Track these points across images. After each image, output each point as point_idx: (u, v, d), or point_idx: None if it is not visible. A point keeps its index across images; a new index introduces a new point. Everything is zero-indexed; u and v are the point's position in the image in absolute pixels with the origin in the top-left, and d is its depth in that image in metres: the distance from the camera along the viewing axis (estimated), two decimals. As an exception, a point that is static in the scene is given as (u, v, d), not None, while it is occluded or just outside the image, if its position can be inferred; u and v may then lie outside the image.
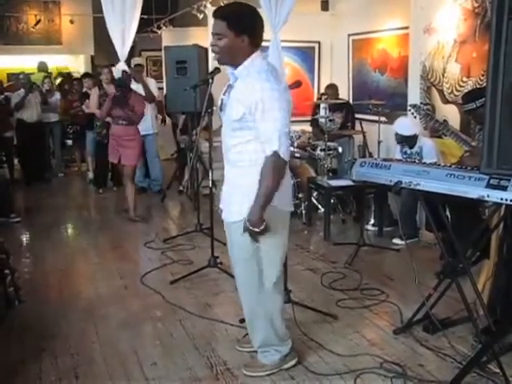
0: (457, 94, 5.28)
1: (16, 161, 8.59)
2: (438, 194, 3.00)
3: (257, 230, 2.55)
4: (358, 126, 6.43)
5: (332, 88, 6.74)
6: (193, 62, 6.28)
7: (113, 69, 7.09)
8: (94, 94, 7.18)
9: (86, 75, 8.82)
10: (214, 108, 6.74)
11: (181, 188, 7.40)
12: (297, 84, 4.00)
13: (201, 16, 8.09)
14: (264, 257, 2.71)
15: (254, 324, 2.89)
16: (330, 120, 6.25)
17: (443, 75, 5.44)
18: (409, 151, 5.13)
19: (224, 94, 2.72)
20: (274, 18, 5.81)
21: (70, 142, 9.31)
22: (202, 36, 7.73)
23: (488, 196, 2.73)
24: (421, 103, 5.34)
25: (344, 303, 3.82)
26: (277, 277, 2.78)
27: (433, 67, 5.56)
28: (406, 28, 6.07)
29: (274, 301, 2.82)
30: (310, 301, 3.80)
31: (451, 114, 5.31)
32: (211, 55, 6.71)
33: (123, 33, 6.81)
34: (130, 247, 5.26)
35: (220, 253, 4.44)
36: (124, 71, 6.67)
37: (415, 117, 4.93)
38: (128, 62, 7.19)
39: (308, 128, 6.90)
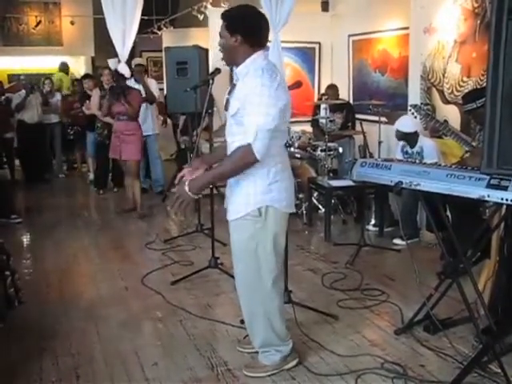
0: (457, 94, 5.28)
1: (17, 162, 8.60)
2: (439, 194, 3.00)
3: (190, 194, 2.57)
4: (358, 127, 6.44)
5: (332, 88, 6.74)
6: (193, 62, 6.28)
7: (108, 61, 7.10)
8: (95, 95, 7.19)
9: (86, 76, 8.82)
10: (215, 109, 6.80)
11: (181, 189, 7.39)
12: (297, 84, 4.00)
13: (201, 17, 8.09)
14: (262, 256, 2.72)
15: (254, 324, 2.90)
16: (331, 120, 6.26)
17: (443, 75, 5.45)
18: (409, 151, 5.13)
19: (228, 94, 2.75)
20: (275, 18, 5.81)
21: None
22: (203, 37, 7.74)
23: (488, 196, 2.73)
24: (421, 103, 5.33)
25: (345, 303, 3.82)
26: (274, 276, 2.78)
27: (433, 67, 5.56)
28: (406, 28, 6.08)
29: (272, 300, 2.82)
30: (311, 301, 3.79)
31: (451, 114, 5.31)
32: (212, 56, 6.73)
33: (124, 34, 6.80)
34: (131, 248, 5.26)
35: (221, 253, 4.44)
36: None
37: (415, 117, 4.94)
38: (129, 62, 7.19)
39: (308, 128, 6.90)
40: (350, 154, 6.48)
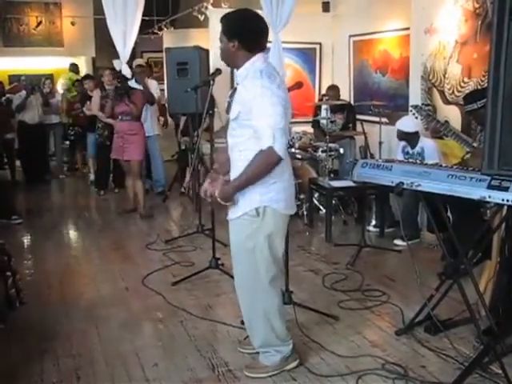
0: (458, 94, 5.28)
1: (17, 162, 8.60)
2: (440, 194, 2.99)
3: (223, 203, 2.69)
4: (359, 127, 6.42)
5: (333, 89, 6.73)
6: (194, 63, 6.28)
7: (114, 61, 7.11)
8: (96, 95, 7.19)
9: (86, 77, 8.83)
10: (216, 109, 6.81)
11: (182, 189, 7.40)
12: (298, 85, 4.00)
13: (202, 17, 8.10)
14: (259, 256, 2.72)
15: (253, 324, 2.90)
16: (332, 121, 6.26)
17: (444, 76, 5.45)
18: (410, 151, 5.13)
19: (230, 97, 2.76)
20: (275, 19, 5.82)
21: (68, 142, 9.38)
22: (203, 37, 7.74)
23: (490, 197, 2.73)
24: (422, 104, 5.33)
25: (346, 304, 3.82)
26: (272, 276, 2.78)
27: (434, 68, 5.56)
28: (407, 29, 6.08)
29: (271, 300, 2.82)
30: (312, 302, 3.79)
31: (452, 115, 5.31)
32: (212, 56, 6.73)
33: (125, 34, 6.81)
34: (132, 248, 5.26)
35: (221, 254, 4.44)
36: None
37: (416, 117, 4.95)
38: (130, 63, 7.20)
39: (309, 129, 6.90)
40: (350, 154, 6.47)
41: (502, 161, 2.15)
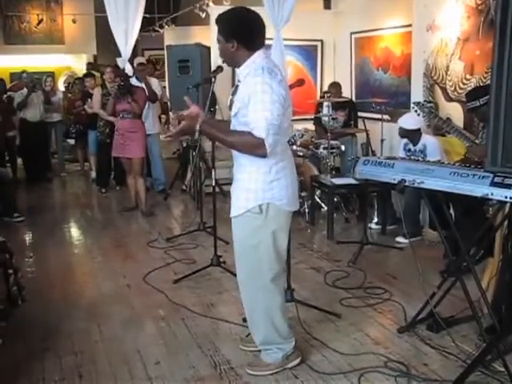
0: (460, 91, 5.26)
1: (19, 160, 8.61)
2: (442, 192, 2.99)
3: (196, 128, 2.59)
4: (361, 125, 6.41)
5: (335, 86, 6.72)
6: (195, 60, 6.28)
7: (117, 59, 7.10)
8: (97, 93, 7.19)
9: (88, 74, 8.82)
10: (217, 107, 6.80)
11: (184, 187, 7.40)
12: (299, 82, 3.99)
13: (203, 15, 8.08)
14: (262, 253, 2.72)
15: (255, 321, 2.90)
16: (333, 118, 6.25)
17: (446, 73, 5.43)
18: (412, 149, 5.12)
19: (232, 94, 2.75)
20: (277, 16, 5.81)
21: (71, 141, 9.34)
22: (205, 35, 7.72)
23: (492, 194, 2.73)
24: (424, 101, 5.32)
25: (348, 302, 3.82)
26: (275, 274, 2.78)
27: (436, 65, 5.54)
28: (409, 26, 6.06)
29: (273, 297, 2.82)
30: (314, 299, 3.79)
31: (454, 112, 5.30)
32: (214, 54, 6.72)
33: (126, 32, 6.79)
34: (133, 246, 5.26)
35: (223, 252, 4.44)
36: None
37: (418, 114, 4.93)
38: (131, 61, 7.19)
39: (311, 126, 6.88)
40: (352, 152, 6.45)
41: (505, 158, 2.14)
